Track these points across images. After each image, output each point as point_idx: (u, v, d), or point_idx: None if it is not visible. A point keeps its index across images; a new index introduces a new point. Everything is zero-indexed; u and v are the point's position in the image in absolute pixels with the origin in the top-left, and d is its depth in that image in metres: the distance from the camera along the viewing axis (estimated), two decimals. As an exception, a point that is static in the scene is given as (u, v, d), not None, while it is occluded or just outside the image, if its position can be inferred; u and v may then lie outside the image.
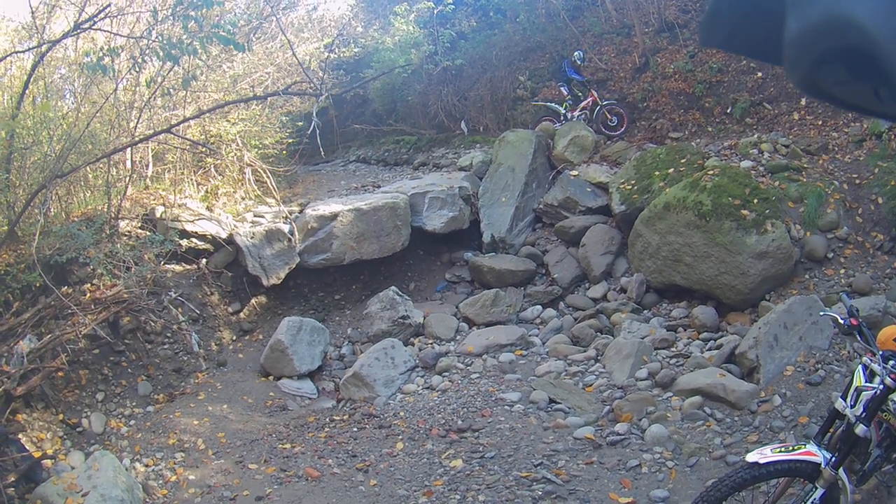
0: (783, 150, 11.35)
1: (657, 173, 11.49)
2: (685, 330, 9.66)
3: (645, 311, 10.49)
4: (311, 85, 11.57)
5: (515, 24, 17.25)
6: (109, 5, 9.31)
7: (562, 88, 14.92)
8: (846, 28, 0.92)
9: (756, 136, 12.08)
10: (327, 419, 8.73)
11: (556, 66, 15.40)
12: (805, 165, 10.87)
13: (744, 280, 9.42)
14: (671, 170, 11.40)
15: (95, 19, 8.99)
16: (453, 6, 17.41)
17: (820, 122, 12.09)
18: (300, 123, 14.78)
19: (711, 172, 10.45)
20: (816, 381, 7.18)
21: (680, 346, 9.18)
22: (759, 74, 13.26)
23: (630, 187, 11.70)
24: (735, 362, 8.12)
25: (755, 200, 9.80)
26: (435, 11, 17.34)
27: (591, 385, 8.58)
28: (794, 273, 9.63)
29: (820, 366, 7.42)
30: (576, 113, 14.61)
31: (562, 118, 14.74)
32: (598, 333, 10.11)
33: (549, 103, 15.14)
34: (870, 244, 9.71)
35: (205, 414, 8.92)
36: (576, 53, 14.84)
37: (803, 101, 12.56)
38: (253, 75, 14.29)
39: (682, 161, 11.54)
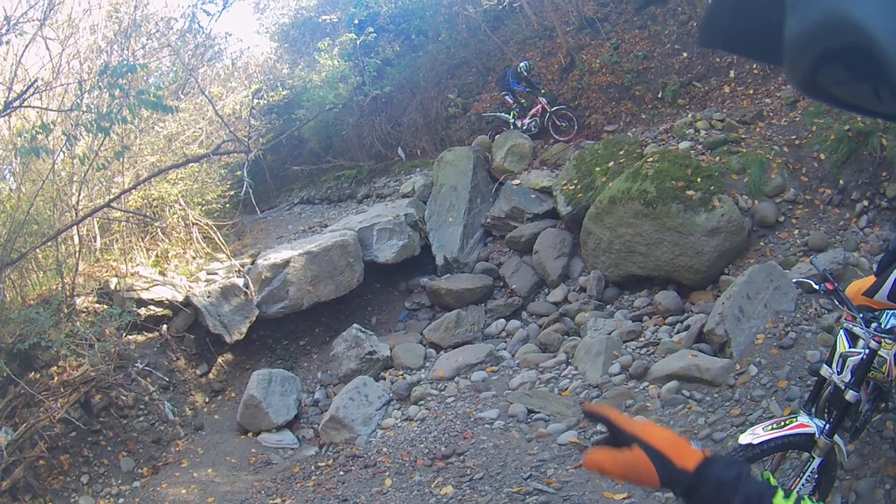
0: (719, 125, 11.38)
1: (598, 169, 11.47)
2: (650, 318, 9.60)
3: (608, 307, 10.44)
4: (238, 143, 11.40)
5: (438, 44, 17.24)
6: (37, 80, 9.21)
7: (507, 98, 14.79)
8: (846, 27, 0.90)
9: (690, 115, 12.11)
10: (312, 467, 8.52)
11: (499, 76, 15.28)
12: (743, 136, 10.91)
13: (700, 259, 9.41)
14: (611, 163, 11.39)
15: (25, 96, 8.85)
16: (375, 34, 17.38)
17: (751, 92, 12.16)
18: (239, 173, 14.59)
19: (651, 159, 10.47)
20: (789, 344, 7.12)
21: (648, 334, 9.12)
22: (685, 55, 13.30)
23: (573, 187, 11.67)
24: (705, 341, 8.03)
25: (698, 179, 9.80)
26: (358, 42, 17.29)
27: (566, 389, 8.47)
28: (748, 243, 9.63)
29: (789, 328, 7.35)
30: (526, 121, 14.53)
31: (511, 127, 14.66)
32: (565, 336, 10.04)
33: (497, 114, 15.07)
34: (819, 200, 9.75)
35: (191, 481, 8.72)
36: (521, 64, 14.71)
37: (732, 74, 12.64)
38: (186, 132, 14.09)
39: (621, 153, 11.55)
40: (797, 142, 10.33)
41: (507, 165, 13.70)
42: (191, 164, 13.17)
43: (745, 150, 10.49)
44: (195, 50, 15.03)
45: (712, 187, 9.68)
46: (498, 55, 16.27)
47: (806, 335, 7.21)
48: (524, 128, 14.49)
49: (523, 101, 14.69)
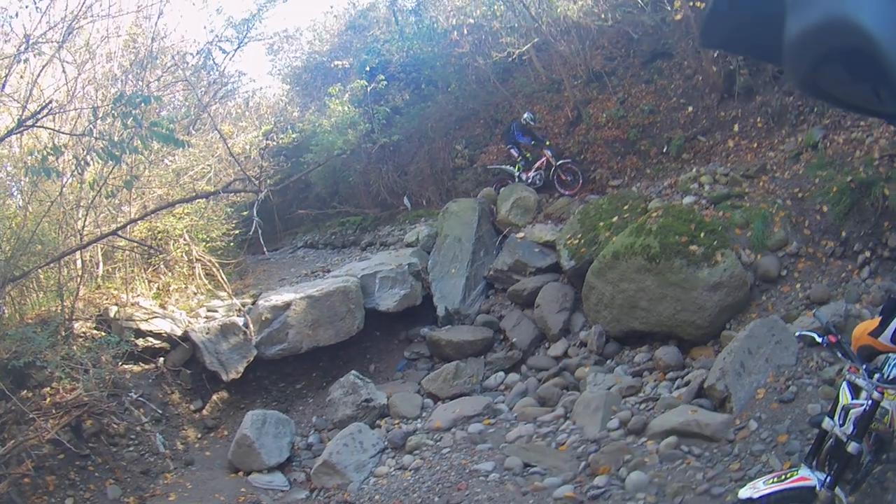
0: (723, 180, 11.37)
1: (602, 224, 11.45)
2: (651, 373, 9.51)
3: (608, 362, 10.35)
4: (248, 182, 11.44)
5: (448, 94, 17.32)
6: (51, 102, 9.32)
7: (512, 151, 14.84)
8: (846, 28, 0.93)
9: (694, 170, 12.12)
10: None
11: (505, 129, 15.29)
12: (746, 190, 10.88)
13: (702, 314, 9.33)
14: (615, 218, 11.37)
15: (38, 116, 8.92)
16: (386, 82, 17.46)
17: (755, 145, 12.15)
18: (245, 213, 14.65)
19: (655, 214, 10.43)
20: (789, 399, 7.03)
21: (647, 389, 9.04)
22: (690, 109, 13.32)
23: (577, 241, 11.64)
24: (705, 396, 7.94)
25: (702, 234, 9.76)
26: (368, 89, 17.35)
27: (563, 443, 8.32)
28: (750, 297, 9.55)
29: (790, 382, 7.26)
30: (531, 174, 14.54)
31: (516, 180, 14.68)
32: (564, 391, 9.94)
33: (503, 166, 15.10)
34: (821, 253, 9.68)
35: None
36: (525, 115, 14.76)
37: (736, 128, 12.64)
38: (195, 168, 14.18)
39: (625, 207, 11.54)
40: (800, 195, 10.27)
41: (512, 218, 13.69)
42: (198, 201, 13.23)
43: (748, 205, 10.45)
44: (208, 87, 15.16)
45: (715, 242, 9.63)
46: (506, 107, 16.33)
47: (807, 389, 7.10)
48: (529, 181, 14.48)
49: (528, 154, 14.70)
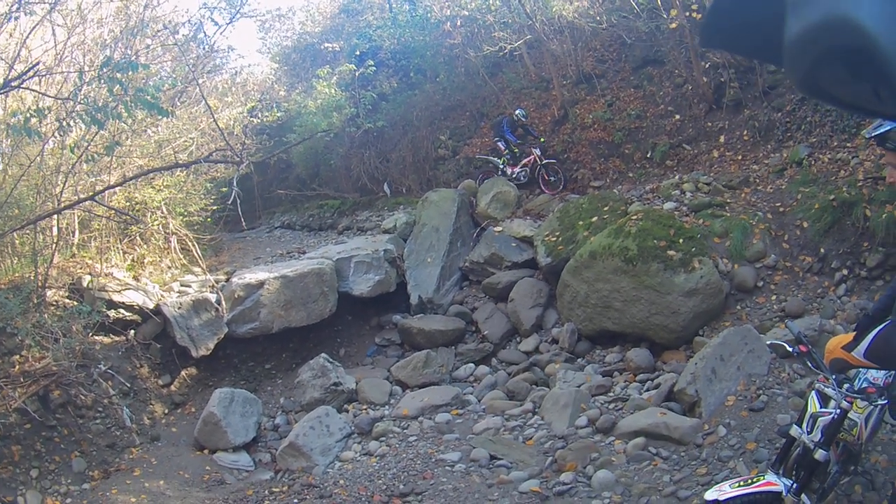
0: (705, 188, 11.45)
1: (581, 223, 11.49)
2: (621, 374, 9.53)
3: (579, 360, 10.36)
4: (232, 153, 11.30)
5: (436, 84, 17.33)
6: (38, 63, 9.10)
7: (499, 144, 14.87)
8: (846, 28, 0.92)
9: (677, 177, 12.20)
10: (266, 492, 8.27)
11: (495, 123, 15.26)
12: (728, 200, 10.95)
13: (675, 319, 9.37)
14: (595, 218, 11.40)
15: (25, 77, 8.72)
16: (375, 68, 17.43)
17: (740, 157, 12.24)
18: (224, 189, 14.51)
19: (635, 217, 10.48)
20: (759, 407, 7.06)
21: (617, 390, 9.06)
22: (677, 117, 13.41)
23: (555, 239, 11.67)
24: (675, 399, 7.99)
25: (680, 240, 9.81)
26: (356, 74, 17.31)
27: (531, 438, 8.35)
28: (725, 306, 9.62)
29: (761, 391, 7.31)
30: (516, 169, 14.60)
31: (500, 172, 14.69)
32: (534, 386, 9.95)
33: (489, 157, 15.11)
34: (799, 268, 9.77)
35: (142, 491, 8.49)
36: (517, 111, 14.76)
37: (722, 139, 12.73)
38: (177, 140, 13.97)
39: (605, 209, 11.57)
40: (781, 209, 10.37)
41: (491, 212, 13.71)
42: (178, 173, 13.10)
43: (728, 215, 10.52)
44: (197, 59, 14.98)
45: (693, 249, 9.68)
46: (493, 101, 16.35)
47: (777, 399, 7.15)
48: (514, 176, 14.52)
49: (516, 150, 14.69)
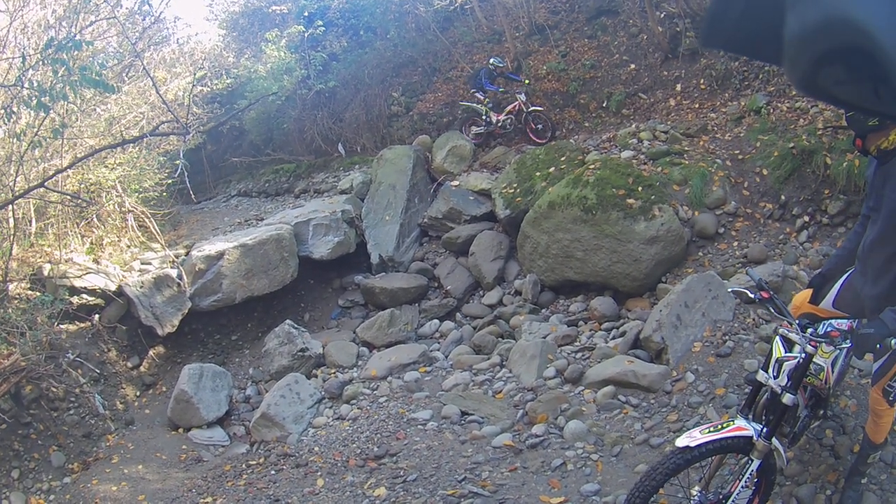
0: (662, 137, 11.43)
1: (538, 174, 11.47)
2: (586, 323, 9.58)
3: (543, 311, 10.38)
4: (178, 124, 11.03)
5: (386, 41, 17.12)
6: None
7: (477, 94, 14.34)
8: (846, 28, 0.93)
9: (634, 125, 12.16)
10: (244, 465, 8.29)
11: (472, 74, 14.83)
12: (686, 148, 10.97)
13: (638, 266, 9.42)
14: (552, 169, 11.40)
15: None
16: (324, 28, 17.18)
17: (697, 106, 12.27)
18: (178, 162, 14.20)
19: (593, 167, 10.46)
20: (726, 353, 7.12)
21: (583, 339, 9.08)
22: (633, 67, 13.39)
23: (512, 191, 11.66)
24: (641, 347, 8.02)
25: (640, 188, 9.83)
26: (305, 35, 17.04)
27: (500, 392, 8.37)
28: (687, 253, 9.69)
29: (727, 337, 7.37)
30: (501, 117, 14.07)
31: (483, 119, 14.32)
32: (500, 339, 9.95)
33: (472, 104, 14.54)
34: (759, 214, 9.85)
35: (122, 478, 8.43)
36: (492, 60, 14.23)
37: (678, 87, 12.74)
38: (128, 116, 13.65)
39: (563, 159, 11.56)
40: (740, 156, 10.42)
41: (447, 166, 13.65)
42: (130, 150, 12.83)
43: (687, 163, 10.54)
44: (143, 32, 14.62)
45: (653, 197, 9.70)
46: (445, 56, 16.18)
47: (744, 344, 7.22)
48: (499, 124, 14.10)
49: (499, 97, 14.35)
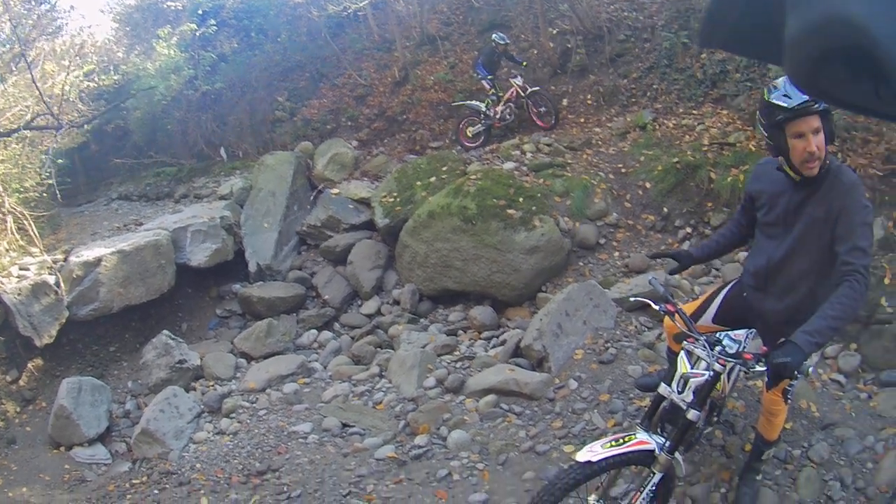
0: (546, 149, 11.52)
1: (419, 183, 11.46)
2: (465, 332, 9.55)
3: (422, 320, 10.31)
4: (53, 118, 10.44)
5: (277, 44, 17.02)
6: None
7: (484, 83, 13.47)
8: (846, 28, 0.93)
9: (517, 138, 12.24)
10: (127, 484, 7.84)
11: (476, 59, 13.76)
12: (569, 161, 11.08)
13: (517, 276, 9.44)
14: (433, 178, 11.40)
15: None
16: (216, 27, 16.88)
17: (582, 121, 12.45)
18: (61, 161, 13.53)
19: (474, 177, 10.49)
20: (609, 360, 7.18)
21: (463, 348, 9.05)
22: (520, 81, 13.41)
23: (392, 200, 11.60)
24: (522, 355, 8.00)
25: (520, 199, 9.89)
26: (197, 34, 16.71)
27: (380, 402, 8.25)
28: (567, 263, 9.75)
29: (610, 345, 7.43)
30: (499, 108, 13.31)
31: (483, 117, 13.51)
32: (378, 349, 9.82)
33: (469, 102, 13.67)
34: (641, 226, 10.03)
35: (6, 502, 7.92)
36: (494, 36, 13.32)
37: (565, 102, 12.87)
38: (13, 109, 12.91)
39: (444, 169, 11.56)
40: (623, 170, 10.63)
41: (328, 174, 13.50)
42: (13, 146, 12.17)
43: (570, 175, 10.65)
44: (38, 20, 13.92)
45: (534, 207, 9.77)
46: (334, 62, 16.14)
47: (626, 351, 7.29)
48: (499, 116, 13.33)
49: (497, 86, 13.53)
